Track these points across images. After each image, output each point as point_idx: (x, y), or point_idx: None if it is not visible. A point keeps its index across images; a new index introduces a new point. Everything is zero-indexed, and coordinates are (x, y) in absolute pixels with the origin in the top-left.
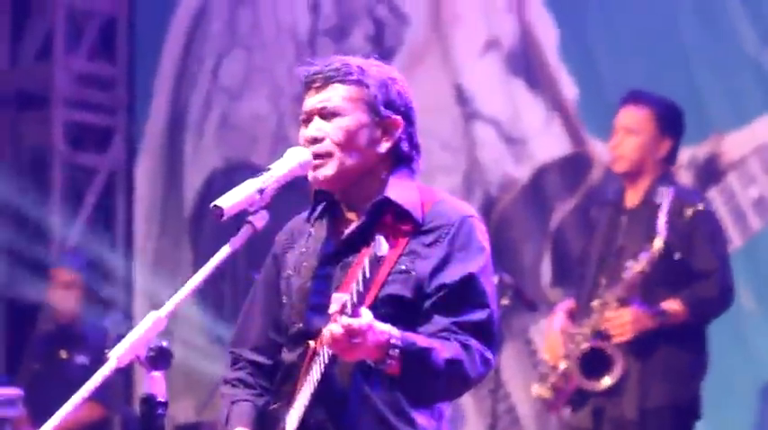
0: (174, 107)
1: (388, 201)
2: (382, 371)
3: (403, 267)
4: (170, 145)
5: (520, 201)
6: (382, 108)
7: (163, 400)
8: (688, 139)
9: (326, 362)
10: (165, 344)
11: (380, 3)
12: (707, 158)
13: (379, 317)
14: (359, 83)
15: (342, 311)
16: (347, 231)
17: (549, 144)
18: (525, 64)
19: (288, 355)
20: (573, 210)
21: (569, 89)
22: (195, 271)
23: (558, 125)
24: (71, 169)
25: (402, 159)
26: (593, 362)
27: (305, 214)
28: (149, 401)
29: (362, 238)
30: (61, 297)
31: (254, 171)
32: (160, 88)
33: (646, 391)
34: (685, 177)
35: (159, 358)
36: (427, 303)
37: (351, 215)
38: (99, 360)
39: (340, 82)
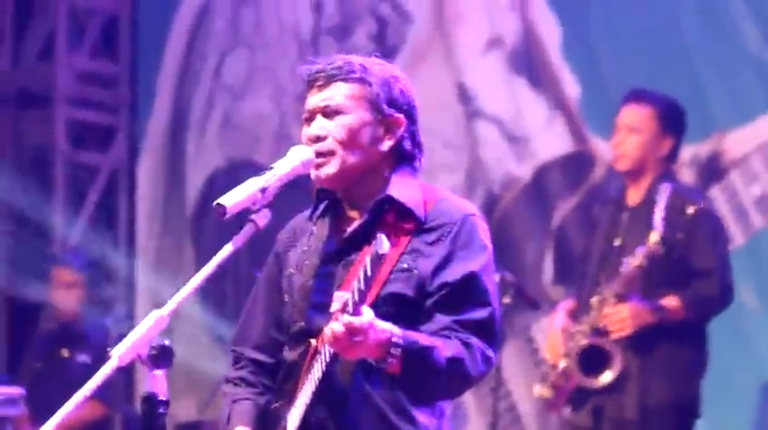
0: (177, 106)
1: (390, 200)
2: (383, 370)
3: (405, 266)
4: (172, 144)
5: (522, 199)
6: (385, 106)
7: (164, 399)
8: (690, 137)
9: (328, 360)
10: (166, 342)
11: (383, 1)
12: (709, 156)
13: (381, 315)
14: (361, 81)
15: (343, 310)
16: (349, 229)
17: (552, 142)
18: (528, 62)
19: (289, 354)
20: (575, 209)
21: (572, 88)
22: (197, 270)
23: (561, 124)
24: (73, 168)
25: (404, 157)
26: (592, 359)
27: (307, 212)
28: (151, 400)
29: (365, 237)
30: (63, 296)
31: (257, 170)
32: (163, 87)
33: (646, 389)
34: (687, 175)
35: (161, 357)
36: (429, 301)
37: (353, 213)
38: (101, 359)
39: (343, 80)
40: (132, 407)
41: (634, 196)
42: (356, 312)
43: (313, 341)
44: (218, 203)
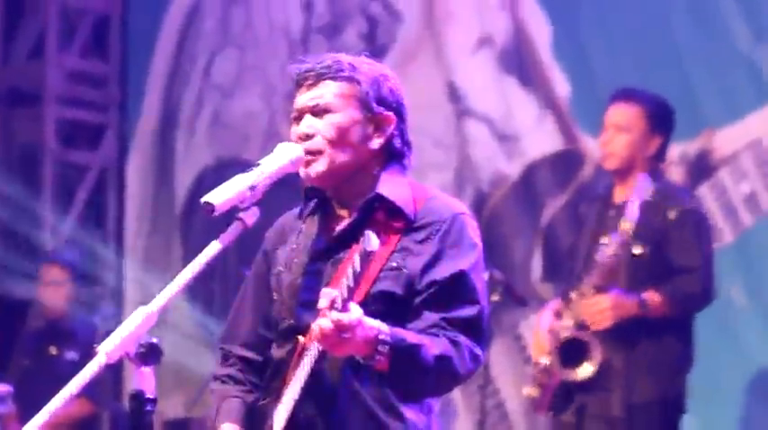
0: (167, 105)
1: (380, 198)
2: (371, 367)
3: (394, 264)
4: (162, 142)
5: (511, 197)
6: (374, 104)
7: (152, 397)
8: (680, 135)
9: (316, 357)
10: (155, 340)
11: (374, 0)
12: (699, 154)
13: (370, 313)
14: (350, 79)
15: (331, 306)
16: (339, 228)
17: (541, 141)
18: (518, 61)
19: (277, 351)
20: (564, 207)
21: (562, 86)
22: (186, 266)
23: (551, 122)
24: (62, 166)
25: (394, 156)
26: (573, 353)
27: (296, 210)
28: (139, 397)
29: (354, 235)
30: (51, 294)
31: (246, 168)
32: (152, 86)
33: (631, 386)
34: (677, 173)
35: (149, 354)
36: (418, 299)
37: (342, 212)
38: (89, 356)
39: (331, 79)
40: (120, 405)
41: (621, 194)
42: (344, 309)
43: (301, 338)
44: (206, 201)
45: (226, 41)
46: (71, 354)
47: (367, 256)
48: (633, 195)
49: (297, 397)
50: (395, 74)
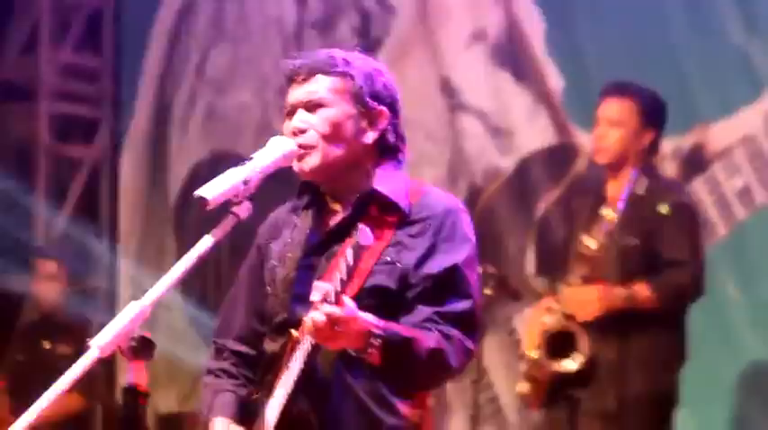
0: (160, 99)
1: (374, 193)
2: (364, 361)
3: (388, 258)
4: (155, 137)
5: (504, 191)
6: (368, 99)
7: (145, 391)
8: (673, 129)
9: (309, 351)
10: (147, 334)
11: None
12: (692, 148)
13: (364, 308)
14: (344, 74)
15: (324, 299)
16: (333, 223)
17: (535, 136)
18: (511, 56)
19: (271, 345)
20: (557, 201)
21: (555, 81)
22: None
23: (544, 117)
24: (56, 161)
25: (388, 150)
26: (561, 345)
27: (289, 204)
28: (132, 392)
29: (348, 230)
30: (45, 288)
31: (239, 162)
32: (146, 80)
33: (624, 380)
34: (670, 167)
35: (142, 348)
36: (411, 293)
37: (336, 206)
38: (82, 350)
39: (324, 73)
40: (113, 399)
41: (613, 189)
42: (337, 302)
43: (294, 332)
44: (200, 196)
45: (219, 35)
46: (64, 348)
47: (360, 250)
48: (623, 188)
49: (290, 390)
50: (388, 68)
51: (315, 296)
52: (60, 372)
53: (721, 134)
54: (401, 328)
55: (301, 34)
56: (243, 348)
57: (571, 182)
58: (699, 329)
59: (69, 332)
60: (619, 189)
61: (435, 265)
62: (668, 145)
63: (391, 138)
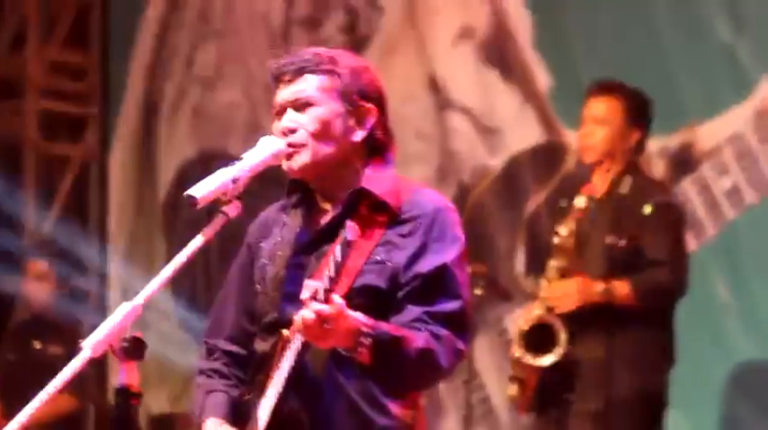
0: (148, 96)
1: (364, 192)
2: (354, 360)
3: (378, 258)
4: (144, 134)
5: (493, 190)
6: (355, 97)
7: (137, 391)
8: (661, 129)
9: (299, 349)
10: (139, 334)
11: None
12: (680, 148)
13: (354, 307)
14: (330, 72)
15: (314, 297)
16: (323, 222)
17: (523, 134)
18: (499, 54)
19: (261, 345)
20: (546, 200)
21: (543, 79)
22: (169, 260)
23: (532, 115)
24: (44, 159)
25: (377, 148)
26: (543, 341)
27: (279, 203)
28: (124, 392)
29: (338, 229)
30: (34, 288)
31: (228, 160)
32: (134, 77)
33: (613, 381)
34: (658, 167)
35: (133, 348)
36: (401, 293)
37: (326, 205)
38: (73, 350)
39: (311, 72)
40: (105, 400)
41: (599, 188)
42: (326, 300)
43: (285, 331)
44: (189, 195)
45: (207, 32)
46: (55, 349)
47: (348, 246)
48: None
49: (281, 390)
50: (376, 67)
51: (304, 294)
52: (52, 372)
53: (709, 133)
54: (390, 328)
55: (288, 32)
56: (234, 348)
57: (560, 181)
58: (689, 330)
59: (60, 332)
60: (603, 188)
61: (425, 265)
62: (656, 144)
63: (379, 135)
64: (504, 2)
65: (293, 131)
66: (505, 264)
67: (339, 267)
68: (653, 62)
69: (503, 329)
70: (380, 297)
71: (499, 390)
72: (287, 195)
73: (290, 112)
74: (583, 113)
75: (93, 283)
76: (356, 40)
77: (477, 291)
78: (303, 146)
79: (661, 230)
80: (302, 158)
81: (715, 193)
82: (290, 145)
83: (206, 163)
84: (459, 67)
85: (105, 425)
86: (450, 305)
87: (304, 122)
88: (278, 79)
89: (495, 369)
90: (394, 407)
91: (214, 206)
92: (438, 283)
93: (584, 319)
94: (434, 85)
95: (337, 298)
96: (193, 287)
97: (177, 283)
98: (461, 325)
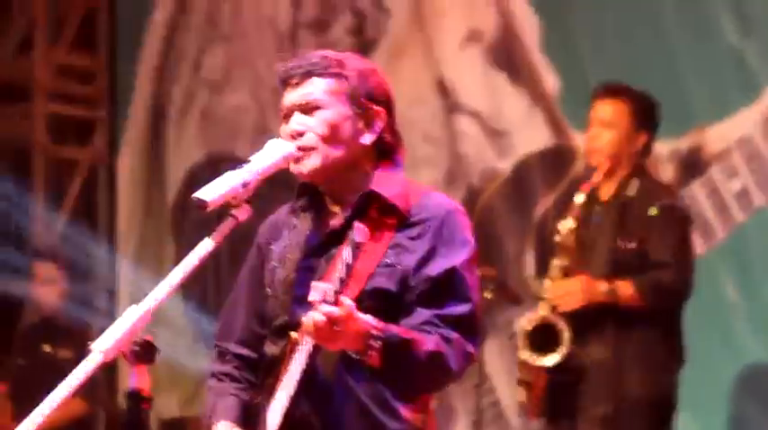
0: (156, 99)
1: (373, 195)
2: (363, 362)
3: (388, 261)
4: (152, 137)
5: (502, 193)
6: (363, 100)
7: (148, 395)
8: (670, 132)
9: (309, 352)
10: (150, 338)
11: None
12: (689, 151)
13: (364, 310)
14: (338, 75)
15: (323, 299)
16: (332, 224)
17: (532, 137)
18: (507, 56)
19: (271, 348)
20: (555, 203)
21: (551, 82)
22: (178, 262)
23: (540, 118)
24: (53, 162)
25: (385, 151)
26: (547, 342)
27: (289, 206)
28: (135, 396)
29: (348, 231)
30: (44, 291)
31: (237, 163)
32: (142, 80)
33: (622, 383)
34: (667, 170)
35: (144, 352)
36: (411, 296)
37: (335, 208)
38: (83, 354)
39: (319, 75)
40: (116, 404)
41: (606, 191)
42: (336, 302)
43: (294, 334)
44: (198, 198)
45: (214, 35)
46: (65, 352)
47: (357, 248)
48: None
49: (291, 393)
50: (383, 70)
51: (314, 296)
52: (61, 376)
53: (718, 136)
54: (400, 330)
55: (296, 35)
56: (245, 351)
57: (569, 184)
58: (698, 331)
59: (70, 335)
60: (611, 191)
61: (435, 268)
62: (665, 147)
63: (388, 138)
64: (511, 4)
65: (301, 134)
66: (515, 267)
67: (349, 269)
68: (660, 64)
69: (513, 333)
70: (391, 300)
71: (509, 394)
72: (296, 198)
73: (298, 115)
74: (589, 116)
75: (103, 286)
76: (364, 43)
77: (487, 295)
78: (313, 149)
79: (666, 232)
80: (312, 162)
81: (724, 196)
82: (299, 148)
83: (214, 166)
84: (467, 70)
85: (116, 429)
86: (460, 308)
87: (312, 125)
88: (285, 82)
89: (505, 372)
90: (404, 411)
91: (223, 208)
92: (448, 286)
93: (590, 321)
94: (442, 89)
95: (347, 300)
96: (204, 290)
97: (187, 286)
98: (471, 328)
